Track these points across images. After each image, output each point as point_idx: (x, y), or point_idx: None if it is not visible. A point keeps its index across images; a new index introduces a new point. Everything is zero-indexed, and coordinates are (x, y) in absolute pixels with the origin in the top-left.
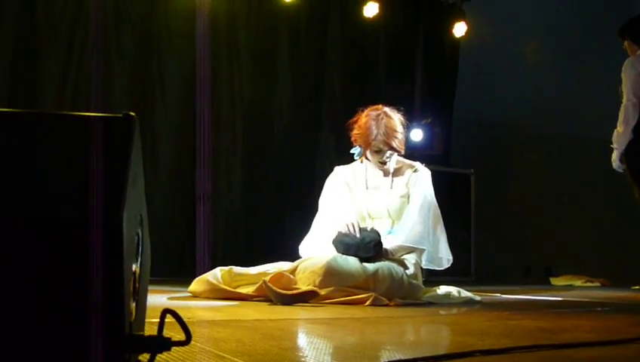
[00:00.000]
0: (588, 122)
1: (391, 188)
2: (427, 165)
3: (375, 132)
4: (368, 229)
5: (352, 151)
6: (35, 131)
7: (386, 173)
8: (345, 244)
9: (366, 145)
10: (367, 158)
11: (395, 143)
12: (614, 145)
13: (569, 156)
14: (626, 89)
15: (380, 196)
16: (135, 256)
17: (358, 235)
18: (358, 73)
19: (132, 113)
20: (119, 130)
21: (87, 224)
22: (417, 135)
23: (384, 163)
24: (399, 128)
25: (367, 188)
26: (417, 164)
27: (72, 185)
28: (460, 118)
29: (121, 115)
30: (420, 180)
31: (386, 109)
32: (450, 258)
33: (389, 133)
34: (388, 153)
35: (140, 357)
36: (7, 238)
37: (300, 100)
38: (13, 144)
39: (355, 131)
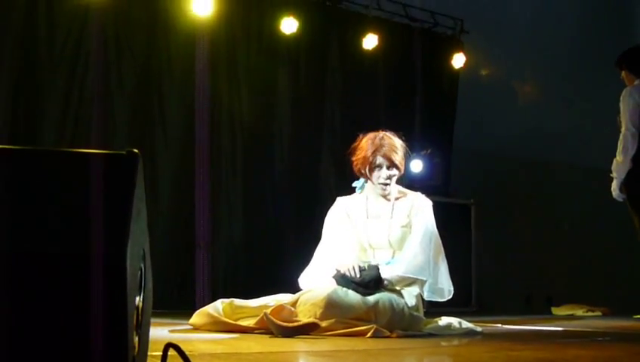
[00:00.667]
0: (587, 152)
1: (391, 217)
2: (427, 196)
3: (374, 148)
4: (367, 266)
5: (353, 184)
6: (40, 168)
7: (386, 201)
8: (345, 280)
9: (366, 162)
10: (368, 178)
11: (395, 158)
12: (614, 175)
13: (569, 186)
14: (624, 118)
15: (380, 226)
16: (138, 290)
17: (358, 276)
18: (358, 104)
19: (135, 150)
20: (123, 166)
21: (90, 260)
22: (417, 166)
23: (385, 184)
24: (399, 145)
25: (367, 217)
26: (418, 194)
27: (77, 222)
28: (459, 148)
29: (124, 152)
30: (422, 210)
31: (386, 132)
32: (452, 289)
33: (390, 148)
34: (389, 173)
35: None
36: (9, 274)
37: (300, 132)
38: (18, 180)
39: (356, 153)
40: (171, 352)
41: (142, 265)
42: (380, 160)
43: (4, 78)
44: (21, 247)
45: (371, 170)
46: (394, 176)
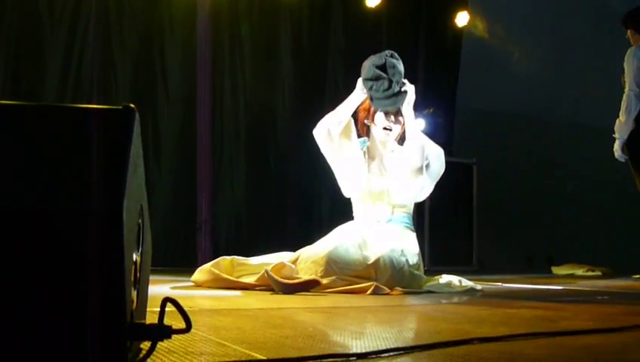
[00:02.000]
0: (591, 111)
1: (392, 169)
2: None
3: None
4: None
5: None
6: (35, 123)
7: (387, 157)
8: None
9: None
10: (371, 124)
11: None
12: (616, 135)
13: (572, 145)
14: (628, 78)
15: (381, 179)
16: (136, 246)
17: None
18: (361, 63)
19: (132, 105)
20: (119, 121)
21: (87, 214)
22: (420, 125)
23: (389, 129)
24: None
25: (368, 172)
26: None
27: (72, 176)
28: (462, 107)
29: (120, 107)
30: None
31: None
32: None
33: None
34: (394, 118)
35: (141, 346)
36: (6, 229)
37: (302, 90)
38: (13, 136)
39: (364, 101)
40: (171, 308)
41: (140, 221)
42: None
43: (4, 36)
44: (15, 203)
45: (375, 113)
46: (399, 124)
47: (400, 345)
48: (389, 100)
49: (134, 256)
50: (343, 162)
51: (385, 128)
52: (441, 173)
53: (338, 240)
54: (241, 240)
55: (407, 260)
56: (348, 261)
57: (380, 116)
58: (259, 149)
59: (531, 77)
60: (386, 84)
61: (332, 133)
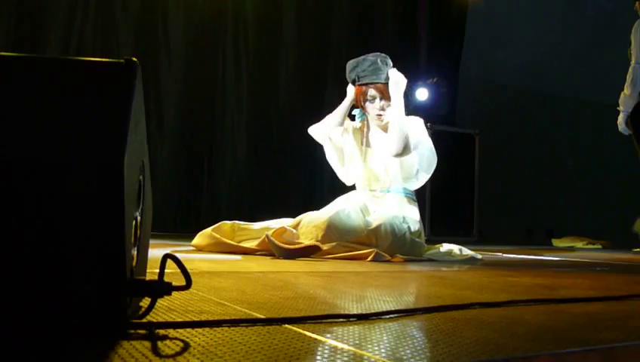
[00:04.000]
0: (594, 85)
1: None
2: (432, 124)
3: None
4: None
5: (353, 112)
6: (36, 75)
7: (384, 132)
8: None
9: (361, 94)
10: (365, 110)
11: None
12: (620, 108)
13: (575, 118)
14: (634, 51)
15: (378, 155)
16: (136, 202)
17: None
18: (365, 31)
19: (134, 59)
20: (121, 74)
21: (87, 167)
22: (423, 94)
23: (380, 115)
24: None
25: (364, 145)
26: (411, 118)
27: (73, 129)
28: (466, 78)
29: (122, 60)
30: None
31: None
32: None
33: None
34: (381, 104)
35: (141, 304)
36: (5, 181)
37: (305, 58)
38: (14, 88)
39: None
40: (171, 270)
41: (140, 178)
42: (372, 92)
43: (5, 2)
44: (15, 155)
45: (365, 102)
46: (388, 106)
47: (401, 307)
48: (374, 73)
49: (135, 213)
50: (343, 156)
51: (377, 115)
52: (434, 164)
53: (340, 206)
54: (242, 205)
55: (408, 227)
56: (349, 226)
57: (369, 106)
58: (261, 116)
59: (537, 49)
60: (369, 60)
61: (332, 138)
